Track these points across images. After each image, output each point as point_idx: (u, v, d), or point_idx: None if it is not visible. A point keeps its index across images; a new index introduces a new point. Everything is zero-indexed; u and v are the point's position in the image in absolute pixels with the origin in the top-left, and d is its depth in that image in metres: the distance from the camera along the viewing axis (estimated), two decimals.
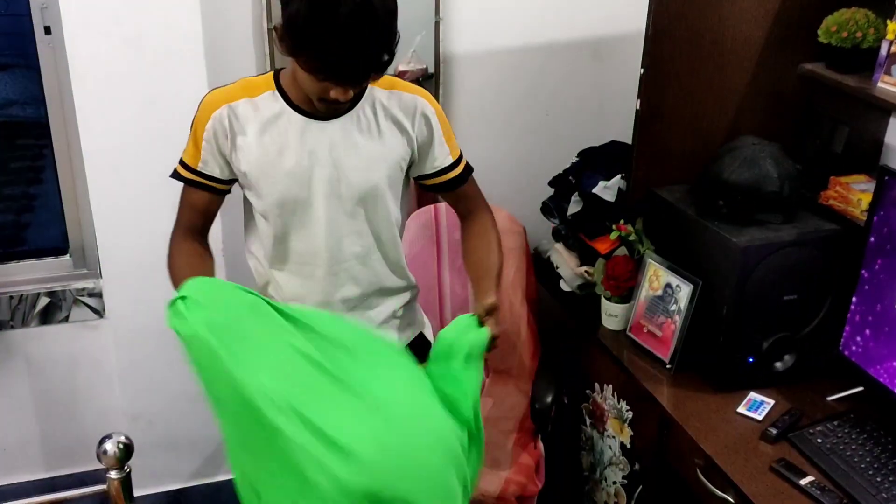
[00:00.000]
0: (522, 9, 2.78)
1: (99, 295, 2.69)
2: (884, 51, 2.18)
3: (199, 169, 1.82)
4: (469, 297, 2.75)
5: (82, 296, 2.69)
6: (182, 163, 1.85)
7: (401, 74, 3.09)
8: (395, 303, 1.98)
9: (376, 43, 1.56)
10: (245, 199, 1.89)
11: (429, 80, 3.08)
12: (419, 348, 1.99)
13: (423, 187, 1.97)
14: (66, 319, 2.71)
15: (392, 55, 1.61)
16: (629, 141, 2.52)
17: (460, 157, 1.94)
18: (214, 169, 1.81)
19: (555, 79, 2.89)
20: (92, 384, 2.78)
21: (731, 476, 1.95)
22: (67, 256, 2.72)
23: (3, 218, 3.89)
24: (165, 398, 2.80)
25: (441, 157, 1.89)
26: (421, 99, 1.83)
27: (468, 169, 1.97)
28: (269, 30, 2.56)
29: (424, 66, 2.89)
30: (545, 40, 2.83)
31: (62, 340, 2.73)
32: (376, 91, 1.79)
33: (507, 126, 2.91)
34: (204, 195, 1.85)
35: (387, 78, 1.81)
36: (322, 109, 1.70)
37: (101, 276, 2.66)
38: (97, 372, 2.77)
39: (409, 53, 3.00)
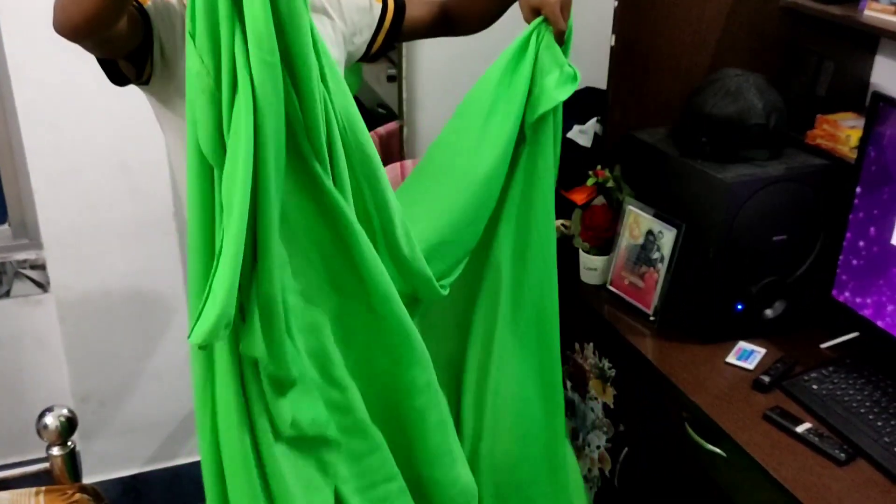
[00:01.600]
0: None
1: (42, 267, 2.51)
2: None
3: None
4: None
5: (24, 268, 2.50)
6: None
7: None
8: None
9: None
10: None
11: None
12: None
13: (384, 48, 1.81)
14: (7, 294, 2.53)
15: None
16: (604, 87, 2.39)
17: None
18: (153, 15, 1.47)
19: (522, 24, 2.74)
20: (37, 363, 2.60)
21: (722, 426, 1.82)
22: (6, 226, 2.54)
23: None
24: (117, 377, 2.63)
25: (371, 10, 1.75)
26: None
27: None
28: None
29: None
30: None
31: (4, 317, 2.55)
32: None
33: (470, 75, 2.75)
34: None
35: None
36: None
37: (44, 247, 2.48)
38: (42, 350, 2.59)
39: None
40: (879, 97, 1.89)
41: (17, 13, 2.19)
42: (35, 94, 2.27)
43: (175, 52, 1.50)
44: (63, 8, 1.28)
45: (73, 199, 2.41)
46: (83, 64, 2.22)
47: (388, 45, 1.80)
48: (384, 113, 2.93)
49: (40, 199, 2.40)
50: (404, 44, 2.62)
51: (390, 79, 2.93)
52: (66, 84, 2.26)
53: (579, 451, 2.46)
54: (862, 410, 1.81)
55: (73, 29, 1.29)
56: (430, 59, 2.68)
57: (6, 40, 2.20)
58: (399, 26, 1.81)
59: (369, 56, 1.82)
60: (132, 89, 2.26)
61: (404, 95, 2.70)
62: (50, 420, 1.96)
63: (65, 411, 1.99)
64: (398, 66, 2.66)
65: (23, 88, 2.26)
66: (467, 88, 2.72)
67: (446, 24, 1.95)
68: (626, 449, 2.24)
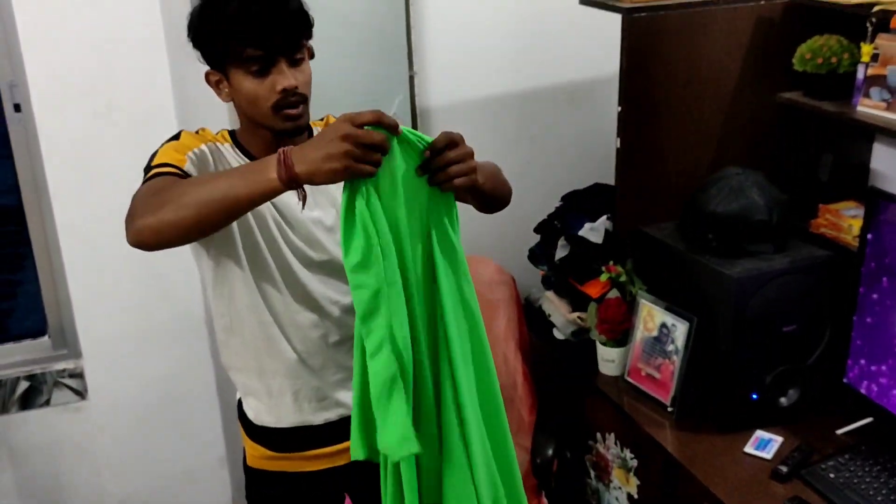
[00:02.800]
0: (495, 58, 2.77)
1: (80, 375, 2.61)
2: (860, 74, 2.16)
3: (185, 168, 1.55)
4: None
5: (63, 377, 2.61)
6: (151, 167, 1.56)
7: None
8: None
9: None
10: (217, 289, 1.72)
11: None
12: None
13: None
14: (47, 403, 2.62)
15: (308, 12, 1.56)
16: (612, 182, 2.49)
17: None
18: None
19: (533, 126, 2.87)
20: (77, 469, 2.68)
21: None
22: (46, 338, 2.65)
23: None
24: (154, 479, 2.70)
25: None
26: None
27: None
28: None
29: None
30: (520, 88, 2.82)
31: (44, 425, 2.64)
32: (313, 132, 1.71)
33: None
34: (180, 180, 1.51)
35: (324, 119, 1.77)
36: (282, 125, 1.57)
37: (82, 356, 2.58)
38: (82, 456, 2.67)
39: (391, 114, 2.99)
40: (876, 193, 1.97)
41: (59, 142, 2.34)
42: (73, 212, 2.40)
43: None
44: (139, 232, 1.40)
45: (109, 308, 2.52)
46: (120, 178, 2.38)
47: None
48: None
49: (78, 310, 2.51)
50: None
51: None
52: (102, 197, 2.39)
53: None
54: (879, 498, 1.85)
55: (146, 247, 1.42)
56: None
57: (48, 166, 2.35)
58: None
59: None
60: None
61: None
62: None
63: None
64: None
65: (62, 207, 2.39)
66: None
67: None
68: None
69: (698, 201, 2.17)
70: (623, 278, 2.33)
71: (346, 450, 1.53)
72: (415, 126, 2.71)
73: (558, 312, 2.58)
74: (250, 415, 1.81)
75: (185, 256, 2.48)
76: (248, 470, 1.87)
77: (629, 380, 2.34)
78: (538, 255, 2.59)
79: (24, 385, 2.59)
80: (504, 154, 2.87)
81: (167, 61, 2.34)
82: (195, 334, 2.62)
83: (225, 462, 2.75)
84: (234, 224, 1.60)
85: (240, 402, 1.86)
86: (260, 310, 1.68)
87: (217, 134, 1.68)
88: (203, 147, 1.61)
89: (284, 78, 1.54)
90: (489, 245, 2.84)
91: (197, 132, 1.67)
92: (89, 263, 2.47)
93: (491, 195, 1.62)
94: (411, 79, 2.69)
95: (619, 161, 2.35)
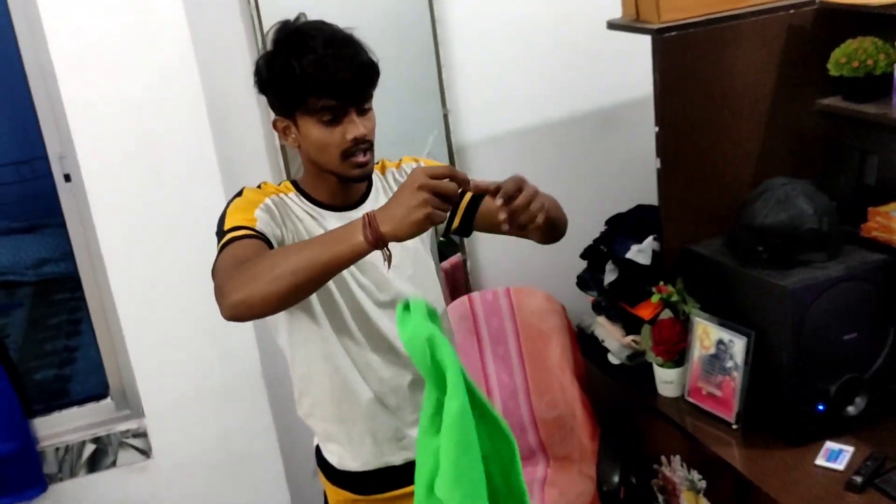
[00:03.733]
0: (527, 90, 2.79)
1: (144, 435, 2.64)
2: None
3: (257, 228, 1.57)
4: (516, 388, 2.68)
5: (127, 437, 2.64)
6: (225, 231, 1.58)
7: None
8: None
9: (357, 46, 1.57)
10: (293, 339, 1.74)
11: None
12: None
13: (462, 232, 1.82)
14: (113, 464, 2.65)
15: (377, 65, 1.60)
16: (655, 203, 2.49)
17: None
18: (270, 232, 1.60)
19: (569, 154, 2.88)
20: None
21: None
22: (109, 400, 2.69)
23: (46, 373, 3.92)
24: None
25: None
26: (405, 164, 1.81)
27: None
28: (281, 147, 2.58)
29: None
30: (554, 118, 2.83)
31: (113, 486, 2.67)
32: (375, 178, 1.76)
33: None
34: (257, 242, 1.55)
35: (379, 163, 1.79)
36: (350, 172, 1.61)
37: (145, 415, 2.62)
38: None
39: (425, 154, 3.02)
40: None
41: (109, 207, 2.39)
42: (127, 276, 2.45)
43: (288, 236, 1.63)
44: (233, 308, 1.43)
45: (168, 367, 2.56)
46: (170, 237, 2.44)
47: (465, 227, 1.81)
48: (444, 241, 3.04)
49: (139, 370, 2.55)
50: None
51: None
52: (153, 261, 2.44)
53: None
54: None
55: (242, 321, 1.46)
56: None
57: (100, 233, 2.40)
58: (475, 209, 1.79)
59: (449, 233, 1.88)
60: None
61: None
62: None
63: None
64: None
65: (116, 271, 2.44)
66: None
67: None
68: None
69: (746, 215, 2.16)
70: (675, 298, 2.32)
71: None
72: (452, 161, 2.74)
73: (612, 337, 2.57)
74: (332, 460, 1.82)
75: None
76: None
77: (690, 400, 2.31)
78: (587, 280, 2.59)
79: (90, 448, 2.63)
80: (542, 184, 2.84)
81: (207, 121, 2.39)
82: (255, 389, 2.64)
83: None
84: None
85: (318, 448, 1.87)
86: (336, 356, 1.70)
87: (280, 185, 1.72)
88: (267, 201, 1.64)
89: (355, 127, 1.57)
90: (536, 276, 2.84)
91: (259, 186, 1.70)
92: (146, 325, 2.51)
93: (555, 225, 1.69)
94: (445, 117, 2.72)
95: (660, 182, 2.34)
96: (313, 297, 1.64)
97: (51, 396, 3.72)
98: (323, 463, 1.87)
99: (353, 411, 1.74)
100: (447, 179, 1.37)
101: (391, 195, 1.73)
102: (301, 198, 1.69)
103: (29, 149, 5.04)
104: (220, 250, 1.54)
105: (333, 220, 1.68)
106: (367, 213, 1.37)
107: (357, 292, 1.68)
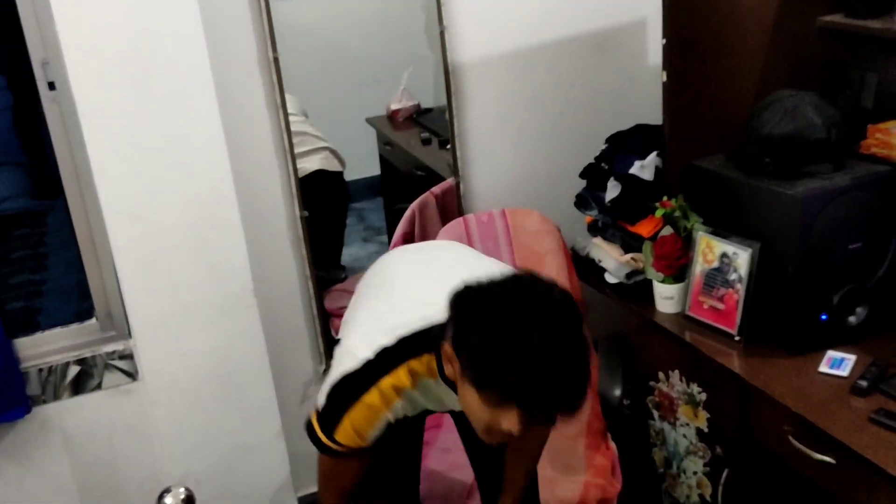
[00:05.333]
0: (521, 9, 2.75)
1: (130, 356, 2.57)
2: None
3: (364, 447, 1.69)
4: None
5: (113, 359, 2.57)
6: (331, 437, 1.70)
7: (394, 113, 3.07)
8: None
9: (580, 391, 1.48)
10: None
11: (424, 114, 3.06)
12: None
13: None
14: (98, 387, 2.58)
15: (584, 395, 1.50)
16: (653, 123, 2.48)
17: None
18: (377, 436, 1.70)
19: (566, 74, 2.86)
20: (133, 451, 2.64)
21: (831, 433, 1.86)
22: (94, 320, 2.61)
23: (12, 306, 3.81)
24: (210, 455, 2.67)
25: None
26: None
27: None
28: (274, 59, 2.51)
29: (417, 103, 2.87)
30: (551, 38, 2.80)
31: (97, 409, 2.60)
32: None
33: (524, 129, 2.86)
34: (362, 463, 1.74)
35: None
36: (484, 438, 1.57)
37: (131, 336, 2.55)
38: (137, 437, 2.63)
39: (400, 91, 2.97)
40: None
41: (98, 116, 2.30)
42: (118, 189, 2.36)
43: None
44: None
45: (156, 285, 2.48)
46: (162, 147, 2.36)
47: None
48: (423, 174, 3.02)
49: (127, 290, 2.47)
50: (454, 107, 2.72)
51: (424, 142, 3.05)
52: (145, 173, 2.36)
53: (674, 479, 2.49)
54: None
55: None
56: (480, 111, 2.78)
57: (89, 142, 2.30)
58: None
59: None
60: (210, 176, 2.38)
61: (458, 154, 2.79)
62: (170, 501, 2.01)
63: (182, 490, 2.04)
64: (451, 127, 2.76)
65: (106, 183, 2.35)
66: (514, 140, 2.84)
67: None
68: (727, 471, 2.27)
69: (753, 126, 2.16)
70: (677, 213, 2.32)
71: None
72: (447, 81, 2.69)
73: (609, 256, 2.57)
74: None
75: (233, 228, 2.48)
76: None
77: (691, 314, 2.32)
78: (586, 199, 2.58)
79: (74, 370, 2.55)
80: (537, 104, 2.87)
81: (201, 24, 2.30)
82: (244, 307, 2.58)
83: (281, 434, 2.72)
84: None
85: None
86: None
87: (424, 362, 1.66)
88: (389, 414, 1.65)
89: (512, 424, 1.48)
90: (530, 198, 2.83)
91: (400, 377, 1.66)
92: (134, 241, 2.43)
93: None
94: (441, 34, 2.67)
95: (665, 95, 2.33)
96: None
97: (19, 329, 3.60)
98: None
99: None
100: None
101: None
102: (441, 383, 1.66)
103: None
104: (323, 447, 1.72)
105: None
106: None
107: None
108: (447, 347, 1.55)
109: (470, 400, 1.52)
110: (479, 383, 1.48)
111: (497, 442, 1.57)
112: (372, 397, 1.64)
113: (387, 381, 1.64)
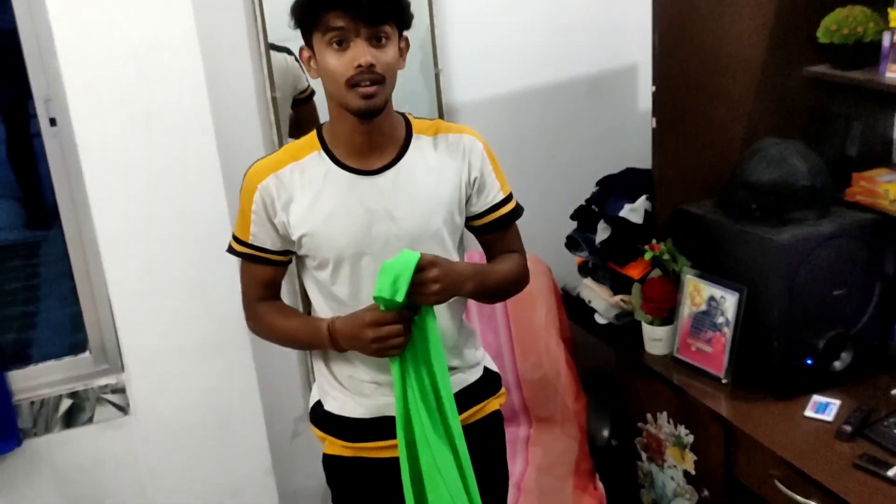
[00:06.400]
0: (518, 53, 2.81)
1: (122, 390, 2.58)
2: (886, 41, 2.22)
3: (250, 242, 1.76)
4: (501, 348, 2.69)
5: (105, 393, 2.58)
6: (234, 237, 1.80)
7: None
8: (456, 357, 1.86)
9: None
10: (302, 276, 1.83)
11: None
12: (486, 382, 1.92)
13: (473, 230, 1.87)
14: (90, 420, 2.59)
15: (404, 2, 1.63)
16: (642, 166, 2.53)
17: (510, 196, 1.87)
18: (266, 241, 1.75)
19: (558, 116, 2.90)
20: (123, 485, 2.64)
21: (816, 478, 1.88)
22: (87, 353, 2.63)
23: (4, 339, 3.81)
24: (202, 492, 2.67)
25: (493, 192, 1.81)
26: (467, 136, 1.78)
27: (517, 210, 1.88)
28: (272, 98, 2.55)
29: None
30: (544, 81, 2.85)
31: (88, 443, 2.60)
32: (423, 139, 1.75)
33: (516, 170, 2.84)
34: (263, 268, 1.80)
35: (431, 123, 1.78)
36: (356, 103, 1.60)
37: (124, 370, 2.56)
38: (127, 472, 2.63)
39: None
40: None
41: (98, 152, 2.33)
42: (113, 224, 2.39)
43: (288, 220, 1.72)
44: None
45: (151, 321, 2.50)
46: (160, 184, 2.39)
47: (486, 229, 1.86)
48: None
49: (122, 324, 2.49)
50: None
51: None
52: (142, 208, 2.39)
53: None
54: None
55: None
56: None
57: (87, 177, 2.34)
58: (502, 226, 1.86)
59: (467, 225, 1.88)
60: (207, 212, 2.42)
61: None
62: None
63: None
64: None
65: (103, 218, 2.38)
66: (513, 170, 2.85)
67: None
68: None
69: (740, 172, 2.21)
70: (666, 256, 2.36)
71: None
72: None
73: (599, 297, 2.60)
74: (333, 407, 1.85)
75: (227, 266, 2.50)
76: (326, 458, 1.90)
77: (679, 356, 2.35)
78: (577, 240, 2.61)
79: (66, 403, 2.56)
80: (530, 146, 2.92)
81: (202, 65, 2.35)
82: (237, 344, 2.60)
83: (271, 471, 2.73)
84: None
85: (317, 403, 1.90)
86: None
87: (304, 138, 1.73)
88: (262, 186, 1.71)
89: (362, 54, 1.57)
90: (522, 237, 2.85)
91: (271, 154, 1.78)
92: (130, 276, 2.46)
93: (486, 299, 1.93)
94: (437, 75, 2.72)
95: (655, 141, 2.38)
96: (334, 286, 1.76)
97: (11, 361, 3.61)
98: (322, 415, 1.88)
99: (362, 358, 1.76)
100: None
101: (441, 159, 1.74)
102: (323, 155, 1.70)
103: None
104: (231, 250, 1.84)
105: (348, 182, 1.69)
106: (329, 325, 1.70)
107: None
108: (300, 50, 1.68)
109: (322, 60, 1.61)
110: (305, 22, 1.61)
111: (370, 90, 1.59)
112: (248, 175, 1.76)
113: (263, 160, 1.77)
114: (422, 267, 1.59)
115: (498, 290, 1.86)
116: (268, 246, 1.76)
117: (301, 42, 1.68)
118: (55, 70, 2.29)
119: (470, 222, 1.83)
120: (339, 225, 1.68)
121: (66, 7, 2.22)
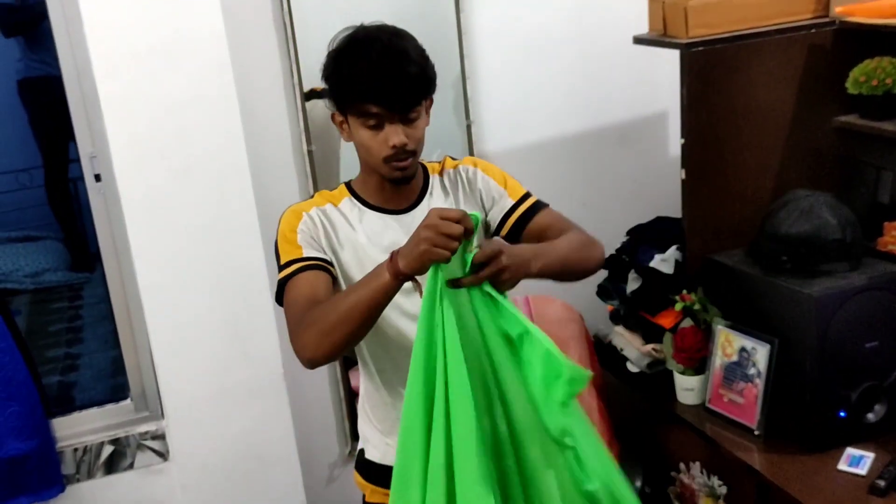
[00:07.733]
0: (548, 102, 2.86)
1: (162, 437, 2.64)
2: None
3: (303, 255, 1.73)
4: None
5: (146, 439, 2.64)
6: (282, 266, 1.74)
7: None
8: None
9: (409, 59, 1.63)
10: None
11: None
12: None
13: (510, 239, 1.88)
14: (130, 466, 2.65)
15: (432, 76, 1.68)
16: (672, 215, 2.54)
17: (527, 195, 1.91)
18: (318, 252, 1.74)
19: (589, 165, 2.94)
20: None
21: None
22: (129, 401, 2.69)
23: (48, 380, 3.90)
24: None
25: (502, 200, 1.87)
26: (462, 166, 1.87)
27: (540, 203, 1.92)
28: (308, 152, 2.62)
29: None
30: (574, 130, 2.90)
31: (129, 489, 2.66)
32: (435, 177, 1.84)
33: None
34: (317, 273, 1.71)
35: (438, 164, 1.87)
36: (391, 174, 1.69)
37: (164, 417, 2.62)
38: None
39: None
40: None
41: (140, 205, 2.41)
42: (155, 275, 2.47)
43: (335, 248, 1.76)
44: (307, 360, 1.61)
45: (190, 368, 2.57)
46: (198, 242, 2.46)
47: (514, 236, 1.87)
48: None
49: (161, 371, 2.56)
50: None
51: None
52: (182, 259, 2.46)
53: None
54: None
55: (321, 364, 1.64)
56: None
57: (130, 230, 2.42)
58: (527, 221, 1.88)
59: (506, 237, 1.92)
60: (244, 262, 2.48)
61: None
62: None
63: None
64: None
65: (145, 269, 2.46)
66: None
67: None
68: None
69: (770, 224, 2.22)
70: (697, 306, 2.37)
71: None
72: None
73: (631, 346, 2.61)
74: (374, 456, 1.90)
75: (265, 313, 2.57)
76: None
77: (711, 407, 2.36)
78: (608, 289, 2.63)
79: (108, 449, 2.62)
80: (561, 195, 2.91)
81: (240, 120, 2.42)
82: (274, 390, 2.65)
83: None
84: None
85: (360, 453, 1.94)
86: (387, 373, 1.84)
87: (335, 190, 1.81)
88: (302, 225, 1.74)
89: (396, 136, 1.64)
90: (553, 286, 2.87)
91: (312, 196, 1.84)
92: (171, 324, 2.53)
93: (560, 273, 1.79)
94: (468, 127, 2.77)
95: (684, 192, 2.40)
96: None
97: (55, 404, 3.70)
98: (363, 463, 1.92)
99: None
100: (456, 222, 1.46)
101: (454, 193, 1.83)
102: (354, 201, 1.79)
103: (27, 157, 5.08)
104: (282, 287, 1.71)
105: (380, 221, 1.77)
106: (393, 252, 1.52)
107: (400, 320, 1.77)
108: (332, 115, 1.73)
109: (356, 133, 1.68)
110: (340, 102, 1.67)
111: (404, 164, 1.67)
112: (287, 216, 1.78)
113: (299, 202, 1.82)
114: (490, 256, 1.54)
115: (568, 261, 1.81)
116: (320, 255, 1.75)
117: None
118: (100, 128, 2.38)
119: (502, 233, 1.88)
120: (377, 260, 1.68)
121: (111, 64, 2.32)
